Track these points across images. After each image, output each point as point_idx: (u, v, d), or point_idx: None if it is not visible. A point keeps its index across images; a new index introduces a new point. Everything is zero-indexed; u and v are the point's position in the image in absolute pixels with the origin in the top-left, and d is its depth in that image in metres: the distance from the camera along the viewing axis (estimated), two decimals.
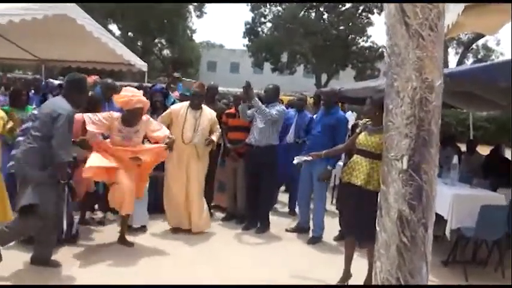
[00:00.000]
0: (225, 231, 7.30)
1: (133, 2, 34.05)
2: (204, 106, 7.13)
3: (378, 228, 2.40)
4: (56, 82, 7.41)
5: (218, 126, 7.21)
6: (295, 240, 7.35)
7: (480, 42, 40.19)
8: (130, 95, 5.98)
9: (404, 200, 2.25)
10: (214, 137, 6.96)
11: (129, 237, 6.42)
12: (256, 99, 7.32)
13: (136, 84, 11.51)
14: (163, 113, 7.14)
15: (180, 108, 7.06)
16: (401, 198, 2.26)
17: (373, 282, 2.42)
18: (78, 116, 6.22)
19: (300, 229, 7.65)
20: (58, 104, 5.09)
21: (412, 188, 2.25)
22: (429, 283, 5.50)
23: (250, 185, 7.64)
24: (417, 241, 2.28)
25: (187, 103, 7.09)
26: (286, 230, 7.65)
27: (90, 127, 5.79)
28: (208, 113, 7.09)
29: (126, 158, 5.96)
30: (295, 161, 6.17)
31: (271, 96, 7.75)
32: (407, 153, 2.24)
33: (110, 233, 6.62)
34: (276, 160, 7.64)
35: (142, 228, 6.87)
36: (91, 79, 9.18)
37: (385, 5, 2.28)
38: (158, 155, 6.23)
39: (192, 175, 6.90)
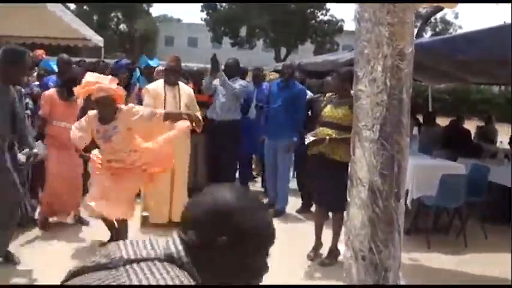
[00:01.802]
0: None
1: None
2: (180, 82, 6.63)
3: (348, 199, 2.36)
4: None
5: (196, 104, 6.69)
6: None
7: (438, 15, 40.66)
8: (92, 81, 5.06)
9: (376, 170, 2.22)
10: (199, 114, 5.97)
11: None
12: (222, 72, 7.30)
13: (94, 60, 11.21)
14: (146, 97, 6.47)
15: (156, 87, 6.48)
16: (372, 168, 2.23)
17: (345, 253, 2.40)
18: (49, 91, 6.16)
19: (270, 205, 7.56)
20: None
21: (383, 158, 2.22)
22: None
23: (212, 159, 7.62)
24: (390, 211, 2.26)
25: (161, 81, 6.57)
26: None
27: (78, 135, 5.10)
28: (186, 89, 6.67)
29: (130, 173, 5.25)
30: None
31: (233, 70, 7.73)
32: (378, 122, 2.20)
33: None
34: (239, 134, 7.68)
35: None
36: (37, 53, 8.90)
37: None
38: (167, 159, 5.56)
39: (177, 160, 6.05)
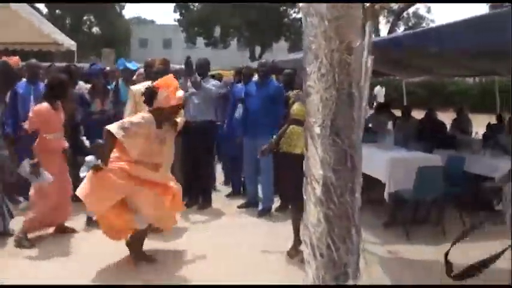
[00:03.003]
0: None
1: None
2: None
3: (305, 197, 2.35)
4: None
5: None
6: (243, 214, 7.47)
7: (411, 10, 41.04)
8: (171, 89, 5.01)
9: (329, 166, 2.20)
10: (179, 119, 5.72)
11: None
12: (196, 74, 7.29)
13: (63, 64, 11.10)
14: (129, 99, 6.46)
15: (141, 89, 5.98)
16: (325, 164, 2.21)
17: (304, 249, 2.39)
18: (42, 106, 5.78)
19: (250, 204, 7.72)
20: None
21: (335, 154, 2.21)
22: (371, 245, 5.70)
23: (188, 161, 7.59)
24: (345, 207, 2.25)
25: (147, 82, 6.14)
26: (238, 207, 7.69)
27: (126, 141, 4.80)
28: None
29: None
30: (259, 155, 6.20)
31: (204, 70, 7.67)
32: (328, 117, 2.19)
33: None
34: (214, 136, 7.72)
35: None
36: (12, 61, 8.77)
37: None
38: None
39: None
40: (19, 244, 5.69)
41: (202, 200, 7.63)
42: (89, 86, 7.87)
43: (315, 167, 2.26)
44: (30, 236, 5.83)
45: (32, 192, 5.85)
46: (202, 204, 7.58)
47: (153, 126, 4.95)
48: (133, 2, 40.72)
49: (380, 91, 22.72)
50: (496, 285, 5.81)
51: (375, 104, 15.69)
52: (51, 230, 6.18)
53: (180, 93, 5.13)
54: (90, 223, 6.34)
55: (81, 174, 6.06)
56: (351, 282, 2.34)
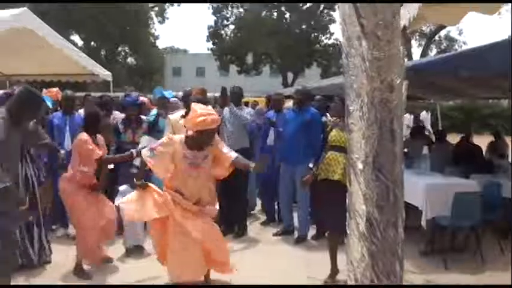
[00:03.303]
0: None
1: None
2: None
3: (348, 231, 2.38)
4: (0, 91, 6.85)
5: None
6: (279, 242, 7.38)
7: (442, 33, 40.82)
8: (204, 113, 4.93)
9: (372, 201, 2.24)
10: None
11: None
12: (232, 104, 7.39)
13: (99, 94, 11.32)
14: (166, 128, 6.53)
15: (178, 117, 6.37)
16: (368, 199, 2.25)
17: (348, 282, 2.41)
18: (82, 136, 5.72)
19: (286, 232, 7.60)
20: None
21: (378, 189, 2.24)
22: (408, 273, 5.65)
23: (223, 189, 7.57)
24: (388, 242, 2.28)
25: (182, 111, 6.47)
26: (274, 235, 7.58)
27: (153, 161, 4.91)
28: None
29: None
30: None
31: (238, 98, 7.77)
32: (370, 154, 2.23)
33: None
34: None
35: (139, 249, 6.57)
36: (52, 93, 8.96)
37: (338, 5, 2.27)
38: None
39: None
40: (78, 276, 5.76)
41: (238, 227, 7.60)
42: (123, 115, 7.79)
43: (358, 202, 2.30)
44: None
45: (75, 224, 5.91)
46: (237, 232, 7.55)
47: (181, 146, 4.92)
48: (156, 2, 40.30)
49: (426, 116, 22.38)
50: (496, 285, 5.72)
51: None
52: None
53: (216, 118, 5.05)
54: (131, 253, 6.43)
55: (117, 203, 6.15)
56: None
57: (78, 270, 5.77)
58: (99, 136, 5.87)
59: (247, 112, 7.71)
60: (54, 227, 7.29)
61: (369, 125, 2.24)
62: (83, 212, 5.65)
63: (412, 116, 20.85)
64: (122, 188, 6.50)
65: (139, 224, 6.44)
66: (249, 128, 7.76)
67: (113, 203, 6.13)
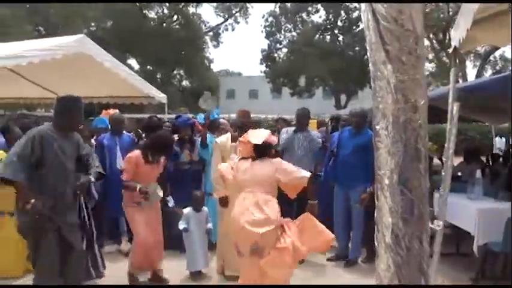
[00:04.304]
0: None
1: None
2: None
3: (376, 244, 2.51)
4: None
5: None
6: (328, 264, 7.34)
7: (497, 53, 40.02)
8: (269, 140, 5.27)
9: (397, 214, 2.37)
10: None
11: None
12: (309, 129, 7.44)
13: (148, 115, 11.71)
14: (215, 152, 6.64)
15: (226, 140, 6.57)
16: (394, 213, 2.39)
17: None
18: (133, 153, 6.05)
19: (340, 257, 7.43)
20: None
21: (403, 203, 2.38)
22: None
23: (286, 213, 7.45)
24: (413, 253, 2.41)
25: (228, 134, 6.68)
26: (328, 260, 7.43)
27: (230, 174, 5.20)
28: None
29: None
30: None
31: (306, 121, 7.68)
32: (395, 170, 2.38)
33: None
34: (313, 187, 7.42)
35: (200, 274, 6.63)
36: (107, 113, 9.35)
37: (366, 33, 2.43)
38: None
39: None
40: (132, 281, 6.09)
41: None
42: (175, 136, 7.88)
43: (385, 216, 2.45)
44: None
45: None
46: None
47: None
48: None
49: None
50: (496, 285, 5.58)
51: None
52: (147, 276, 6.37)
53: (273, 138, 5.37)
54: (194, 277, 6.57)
55: (181, 227, 6.41)
56: None
57: (131, 281, 6.08)
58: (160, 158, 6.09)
59: (317, 136, 7.64)
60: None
61: (394, 143, 2.41)
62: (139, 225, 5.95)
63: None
64: (186, 210, 6.60)
65: (201, 249, 6.51)
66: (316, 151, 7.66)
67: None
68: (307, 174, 5.11)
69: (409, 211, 2.40)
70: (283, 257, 4.75)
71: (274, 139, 5.44)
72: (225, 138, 6.59)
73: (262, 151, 5.17)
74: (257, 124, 8.00)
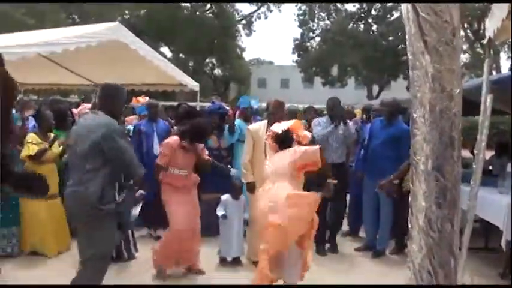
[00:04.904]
0: None
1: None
2: None
3: (410, 226, 2.62)
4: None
5: None
6: (357, 254, 7.41)
7: None
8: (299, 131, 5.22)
9: (431, 199, 2.48)
10: None
11: None
12: (343, 120, 7.28)
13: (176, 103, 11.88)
14: (246, 138, 6.62)
15: (258, 128, 6.49)
16: (428, 197, 2.51)
17: (409, 274, 2.64)
18: (170, 139, 6.11)
19: (367, 247, 7.49)
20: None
21: (437, 187, 2.51)
22: None
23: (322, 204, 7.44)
24: (444, 235, 2.54)
25: (264, 122, 6.51)
26: (355, 250, 7.51)
27: None
28: None
29: None
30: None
31: (339, 111, 7.44)
32: (431, 156, 2.50)
33: None
34: (346, 178, 7.40)
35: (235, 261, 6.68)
36: (139, 101, 9.55)
37: (405, 24, 2.53)
38: None
39: None
40: (160, 275, 6.07)
41: (330, 245, 7.46)
42: None
43: (419, 200, 2.58)
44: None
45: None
46: (330, 249, 7.42)
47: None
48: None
49: None
50: (496, 285, 5.56)
51: None
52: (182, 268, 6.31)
53: (307, 133, 5.30)
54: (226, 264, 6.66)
55: (219, 213, 6.48)
56: None
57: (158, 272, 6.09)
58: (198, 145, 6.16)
59: (351, 127, 7.49)
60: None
61: (430, 130, 2.52)
62: (173, 213, 5.92)
63: None
64: (224, 197, 6.65)
65: (236, 236, 6.59)
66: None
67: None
68: (317, 146, 5.08)
69: (442, 196, 2.52)
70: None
71: (306, 134, 5.30)
72: (257, 126, 6.60)
73: (283, 140, 5.13)
74: (292, 114, 8.09)
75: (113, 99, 4.72)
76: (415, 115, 2.62)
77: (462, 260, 5.75)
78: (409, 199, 2.69)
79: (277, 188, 4.86)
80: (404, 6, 2.55)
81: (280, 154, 5.12)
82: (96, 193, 4.24)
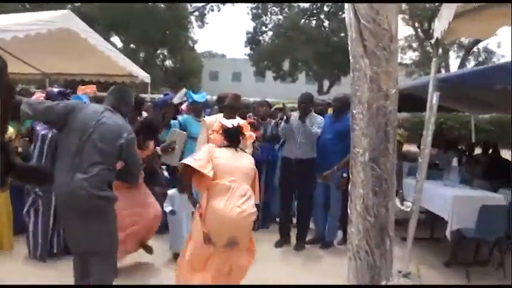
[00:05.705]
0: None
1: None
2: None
3: (349, 212, 2.90)
4: (56, 90, 7.27)
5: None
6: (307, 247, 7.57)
7: (481, 45, 40.53)
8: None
9: (368, 187, 2.79)
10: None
11: None
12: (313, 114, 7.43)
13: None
14: (201, 130, 6.59)
15: (214, 120, 6.22)
16: (366, 185, 2.83)
17: (348, 255, 2.93)
18: None
19: (316, 240, 7.74)
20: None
21: (373, 177, 2.83)
22: (431, 283, 5.97)
23: (286, 198, 7.69)
24: (380, 220, 2.86)
25: (220, 115, 6.41)
26: (306, 243, 7.63)
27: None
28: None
29: None
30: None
31: (309, 106, 7.56)
32: (368, 149, 2.83)
33: None
34: (314, 173, 7.49)
35: None
36: (89, 89, 9.47)
37: (348, 29, 2.80)
38: None
39: None
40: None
41: (298, 239, 7.60)
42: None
43: (357, 188, 2.90)
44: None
45: None
46: (296, 245, 7.56)
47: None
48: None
49: None
50: (496, 285, 5.92)
51: None
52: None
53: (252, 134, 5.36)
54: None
55: (167, 209, 6.50)
56: (383, 283, 2.90)
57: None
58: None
59: (318, 122, 7.46)
60: None
61: (368, 126, 2.84)
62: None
63: None
64: (171, 192, 6.69)
65: (186, 230, 6.36)
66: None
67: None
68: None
69: (378, 184, 2.83)
70: (252, 248, 5.07)
71: (251, 134, 5.37)
72: (213, 118, 6.56)
73: (232, 135, 5.12)
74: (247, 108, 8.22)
75: (127, 103, 4.80)
76: (354, 112, 2.92)
77: (408, 249, 6.13)
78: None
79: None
80: (347, 14, 2.84)
81: (241, 155, 5.10)
82: (102, 183, 4.30)
